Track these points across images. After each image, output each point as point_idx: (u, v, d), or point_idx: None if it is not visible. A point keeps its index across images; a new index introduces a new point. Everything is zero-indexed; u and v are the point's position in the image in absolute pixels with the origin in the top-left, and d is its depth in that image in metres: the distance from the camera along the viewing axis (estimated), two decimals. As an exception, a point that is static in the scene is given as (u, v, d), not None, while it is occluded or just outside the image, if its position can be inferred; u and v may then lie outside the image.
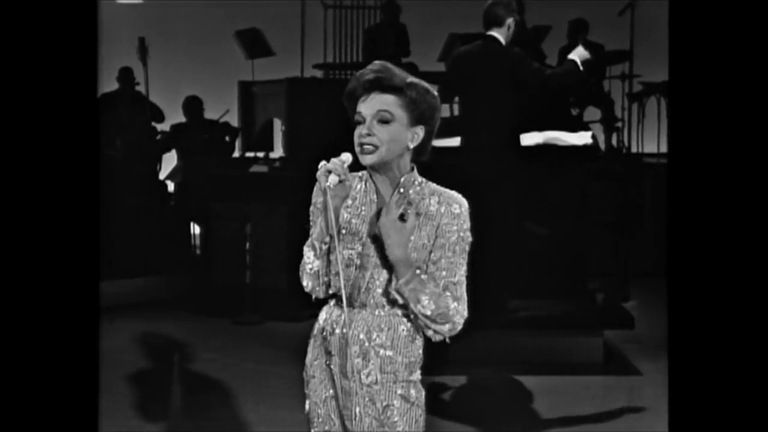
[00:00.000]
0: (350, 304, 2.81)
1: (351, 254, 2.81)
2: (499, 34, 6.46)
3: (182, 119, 10.21)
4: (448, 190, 2.86)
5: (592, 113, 10.77)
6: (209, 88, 10.70)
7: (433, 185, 2.86)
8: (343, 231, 2.81)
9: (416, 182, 2.85)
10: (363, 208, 2.84)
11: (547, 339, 6.58)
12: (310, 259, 2.80)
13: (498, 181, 6.38)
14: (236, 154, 10.48)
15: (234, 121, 10.51)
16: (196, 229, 9.65)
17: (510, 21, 6.45)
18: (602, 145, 10.17)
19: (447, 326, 2.75)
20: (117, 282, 8.25)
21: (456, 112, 8.99)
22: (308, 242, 2.83)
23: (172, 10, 11.75)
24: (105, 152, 8.65)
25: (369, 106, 2.76)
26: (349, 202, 2.82)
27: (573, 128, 7.58)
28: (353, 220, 2.83)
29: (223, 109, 10.47)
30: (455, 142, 6.83)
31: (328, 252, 2.77)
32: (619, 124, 10.92)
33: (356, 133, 2.78)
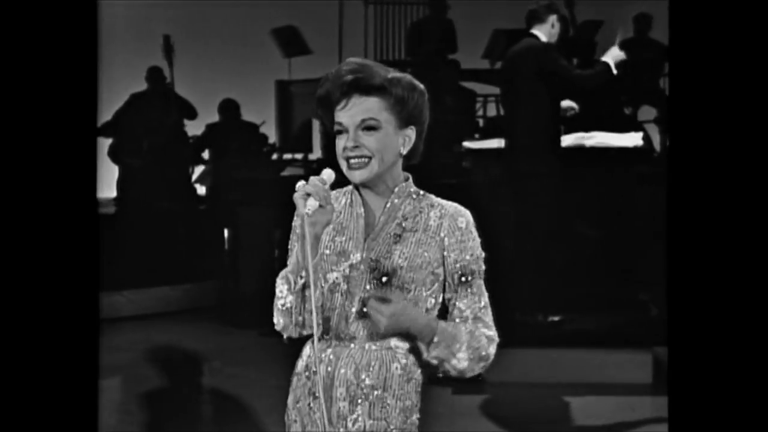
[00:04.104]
0: (337, 337, 2.45)
1: (336, 277, 2.44)
2: (540, 32, 6.37)
3: (215, 120, 10.02)
4: (448, 202, 2.50)
5: (647, 113, 10.37)
6: (245, 87, 10.59)
7: (433, 197, 2.50)
8: (327, 251, 2.45)
9: (412, 194, 2.48)
10: (349, 223, 2.48)
11: (591, 355, 6.24)
12: (283, 294, 2.43)
13: (535, 185, 6.25)
14: (273, 156, 10.29)
15: (270, 122, 10.31)
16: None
17: (553, 18, 6.37)
18: (657, 146, 9.82)
19: (482, 363, 2.44)
20: (140, 291, 8.07)
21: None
22: (282, 273, 2.46)
23: (207, 8, 11.67)
24: (127, 160, 8.52)
25: (350, 114, 2.39)
26: (333, 216, 2.43)
27: (625, 128, 7.34)
28: (338, 238, 2.46)
29: (258, 109, 10.28)
30: (494, 144, 6.75)
31: (304, 287, 2.39)
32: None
33: (339, 145, 2.42)
